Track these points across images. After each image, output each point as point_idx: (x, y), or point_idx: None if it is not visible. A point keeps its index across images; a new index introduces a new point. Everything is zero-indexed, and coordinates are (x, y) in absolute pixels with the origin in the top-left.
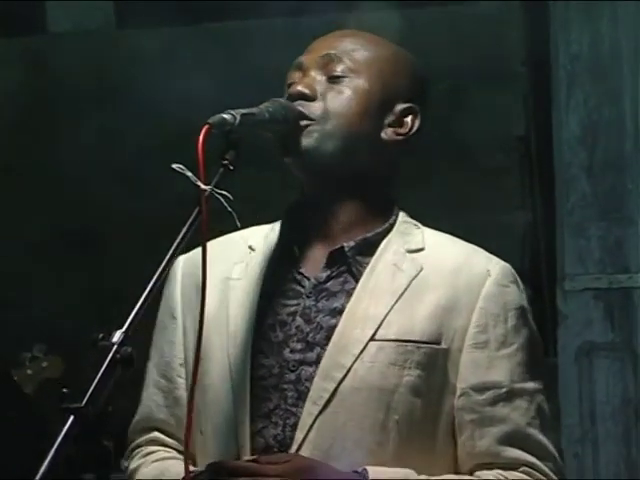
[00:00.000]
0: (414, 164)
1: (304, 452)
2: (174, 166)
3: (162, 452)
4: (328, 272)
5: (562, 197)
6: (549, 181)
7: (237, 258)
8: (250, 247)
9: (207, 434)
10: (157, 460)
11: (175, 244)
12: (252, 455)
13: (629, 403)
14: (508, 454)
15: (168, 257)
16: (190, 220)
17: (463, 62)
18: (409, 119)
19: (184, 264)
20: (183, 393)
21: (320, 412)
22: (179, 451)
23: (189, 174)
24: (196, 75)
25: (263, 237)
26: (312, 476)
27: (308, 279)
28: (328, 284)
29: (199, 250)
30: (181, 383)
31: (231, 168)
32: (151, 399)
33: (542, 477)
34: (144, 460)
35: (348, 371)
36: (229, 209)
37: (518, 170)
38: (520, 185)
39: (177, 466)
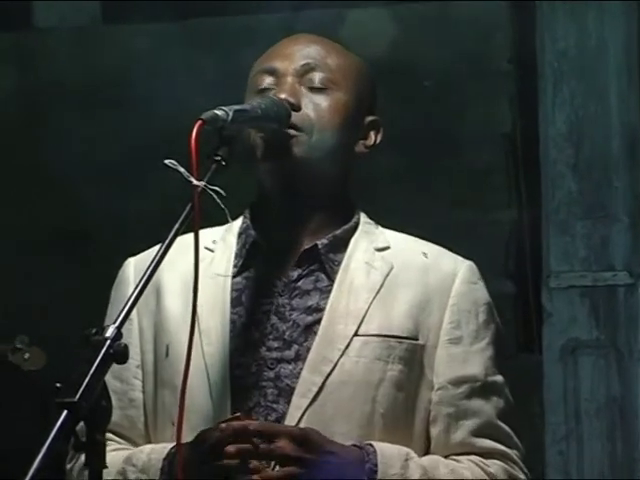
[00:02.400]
0: (402, 162)
1: None
2: (166, 162)
3: (115, 444)
4: (299, 271)
5: (548, 194)
6: (535, 178)
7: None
8: (207, 248)
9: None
10: (113, 450)
11: (168, 239)
12: None
13: (614, 400)
14: (482, 444)
15: (161, 252)
16: (182, 216)
17: (449, 60)
18: (373, 133)
19: (135, 266)
20: (139, 395)
21: (308, 405)
22: None
23: (181, 170)
24: (185, 72)
25: (220, 238)
26: (319, 439)
27: (279, 278)
28: (299, 283)
29: (150, 252)
30: (137, 385)
31: (224, 164)
32: None
33: (513, 465)
34: None
35: (335, 365)
36: (221, 205)
37: (504, 167)
38: (506, 182)
39: (138, 453)
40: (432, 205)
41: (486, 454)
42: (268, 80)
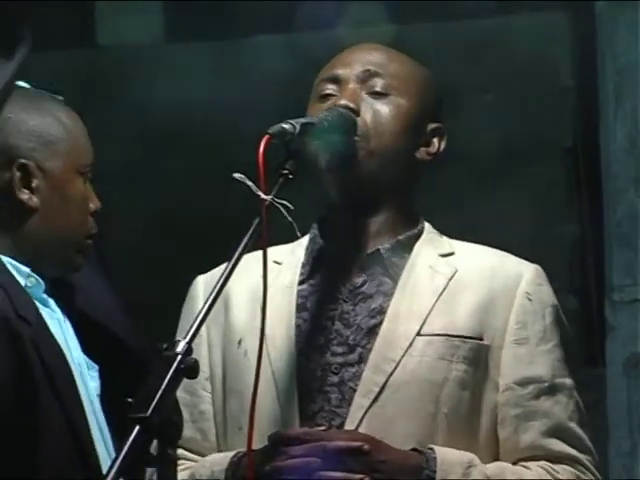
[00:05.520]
0: (465, 177)
1: None
2: (235, 175)
3: (188, 463)
4: (364, 276)
5: (610, 209)
6: (597, 193)
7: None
8: (275, 262)
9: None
10: (183, 470)
11: (236, 255)
12: None
13: None
14: (552, 447)
15: (230, 267)
16: (251, 230)
17: (510, 74)
18: (436, 140)
19: (205, 282)
20: (209, 407)
21: (370, 405)
22: None
23: (250, 183)
24: (244, 88)
25: (289, 253)
26: (375, 448)
27: (343, 284)
28: (364, 287)
29: (219, 269)
30: (206, 397)
31: (291, 177)
32: None
33: (585, 470)
34: None
35: (397, 365)
36: (289, 219)
37: (566, 182)
38: (568, 197)
39: (200, 468)
40: (495, 220)
41: (556, 458)
42: (331, 87)
